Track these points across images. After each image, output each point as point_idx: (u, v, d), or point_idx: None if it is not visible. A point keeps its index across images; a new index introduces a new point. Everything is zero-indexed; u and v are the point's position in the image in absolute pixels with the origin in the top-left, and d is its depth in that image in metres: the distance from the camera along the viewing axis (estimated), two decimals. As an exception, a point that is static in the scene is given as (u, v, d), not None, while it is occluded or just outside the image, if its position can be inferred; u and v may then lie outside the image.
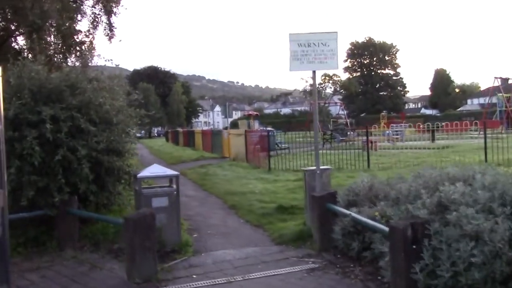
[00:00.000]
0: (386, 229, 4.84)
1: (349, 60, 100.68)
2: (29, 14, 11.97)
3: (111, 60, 12.18)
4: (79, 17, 14.69)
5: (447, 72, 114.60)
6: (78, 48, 14.19)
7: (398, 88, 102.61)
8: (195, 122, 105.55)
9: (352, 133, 26.67)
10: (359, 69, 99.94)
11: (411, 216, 4.83)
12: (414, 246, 4.46)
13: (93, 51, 14.02)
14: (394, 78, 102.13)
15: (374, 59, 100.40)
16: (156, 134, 79.15)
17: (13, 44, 15.28)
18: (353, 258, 5.97)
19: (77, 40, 14.34)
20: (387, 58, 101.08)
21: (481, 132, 29.96)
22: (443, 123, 25.06)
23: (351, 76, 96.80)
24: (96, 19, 14.97)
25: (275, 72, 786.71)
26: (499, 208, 4.33)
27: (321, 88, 69.20)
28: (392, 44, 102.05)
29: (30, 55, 11.43)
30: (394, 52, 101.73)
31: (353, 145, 21.17)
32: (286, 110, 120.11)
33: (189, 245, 7.13)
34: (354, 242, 5.87)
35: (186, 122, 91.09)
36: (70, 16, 13.69)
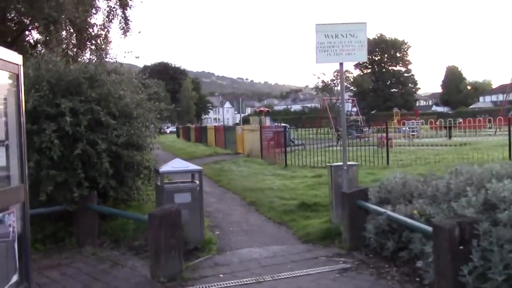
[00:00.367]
0: (429, 228, 4.56)
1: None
2: (45, 6, 11.79)
3: (131, 51, 12.01)
4: (94, 10, 14.48)
5: (459, 69, 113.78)
6: (93, 42, 14.00)
7: (409, 85, 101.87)
8: (205, 119, 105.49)
9: (367, 129, 26.32)
10: (370, 66, 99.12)
11: (456, 215, 4.55)
12: (461, 247, 4.18)
13: (108, 45, 13.84)
14: (406, 75, 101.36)
15: (386, 55, 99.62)
16: (167, 131, 78.15)
17: (28, 38, 15.11)
18: (387, 258, 5.69)
19: (93, 33, 14.14)
20: (398, 55, 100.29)
21: (499, 129, 29.60)
22: (460, 120, 24.55)
23: (362, 73, 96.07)
24: (112, 12, 14.77)
25: (284, 68, 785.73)
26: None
27: (333, 85, 68.49)
28: (403, 40, 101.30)
29: (44, 49, 11.23)
30: (405, 49, 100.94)
31: (368, 142, 20.84)
32: (296, 107, 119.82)
33: (212, 243, 6.89)
34: (388, 242, 5.59)
35: (196, 118, 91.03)
36: (85, 9, 13.48)
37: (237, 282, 5.39)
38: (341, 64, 7.55)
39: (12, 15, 14.53)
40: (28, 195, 4.24)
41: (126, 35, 15.04)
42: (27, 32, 15.08)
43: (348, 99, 49.69)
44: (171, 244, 5.50)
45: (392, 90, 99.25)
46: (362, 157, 15.89)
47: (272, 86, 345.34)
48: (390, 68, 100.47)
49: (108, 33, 14.62)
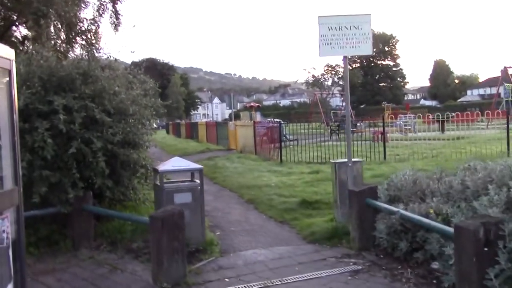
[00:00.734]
0: (449, 229, 4.33)
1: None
2: (34, 0, 11.39)
3: (125, 46, 11.69)
4: (83, 4, 14.07)
5: (447, 63, 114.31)
6: (83, 37, 13.60)
7: (398, 79, 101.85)
8: (194, 114, 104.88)
9: (361, 124, 26.14)
10: (358, 60, 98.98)
11: (477, 214, 4.33)
12: (486, 249, 3.96)
13: (99, 40, 13.45)
14: (394, 69, 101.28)
15: (374, 50, 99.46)
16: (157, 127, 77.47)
17: (15, 33, 14.68)
18: (399, 259, 5.46)
19: (83, 28, 13.73)
20: (387, 49, 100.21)
21: (491, 123, 29.60)
22: (453, 114, 24.45)
23: (351, 68, 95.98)
24: (102, 7, 14.35)
25: (272, 63, 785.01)
26: None
27: (323, 79, 68.20)
28: (391, 35, 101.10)
29: (34, 45, 10.84)
30: (394, 43, 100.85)
31: (361, 136, 20.65)
32: (285, 102, 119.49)
33: (214, 244, 6.62)
34: (401, 242, 5.35)
35: (185, 114, 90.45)
36: (75, 3, 13.08)
37: (244, 286, 5.14)
38: (345, 57, 7.30)
39: (-2, 10, 14.09)
40: (22, 198, 3.94)
41: (117, 30, 14.69)
42: (14, 28, 14.64)
43: (338, 94, 49.51)
44: (174, 247, 5.23)
45: (381, 84, 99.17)
46: (357, 152, 15.60)
47: (260, 81, 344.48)
48: (378, 62, 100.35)
49: (99, 28, 14.23)
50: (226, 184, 12.28)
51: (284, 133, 22.16)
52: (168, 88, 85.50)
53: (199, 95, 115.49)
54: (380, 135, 20.21)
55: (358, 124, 26.12)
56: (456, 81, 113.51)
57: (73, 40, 13.49)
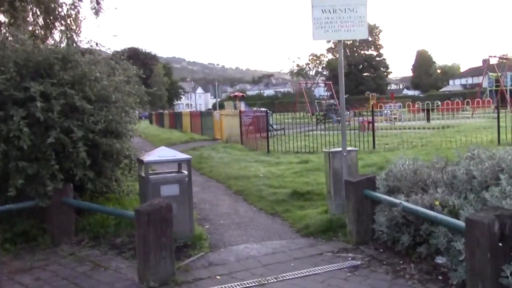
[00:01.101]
0: (460, 223, 4.04)
1: (332, 41, 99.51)
2: (9, -18, 10.80)
3: (108, 30, 11.21)
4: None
5: (429, 53, 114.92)
6: (62, 22, 13.02)
7: (381, 69, 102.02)
8: (177, 104, 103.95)
9: (348, 113, 25.90)
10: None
11: (487, 206, 4.04)
12: (500, 244, 3.67)
13: (79, 26, 12.87)
14: (377, 59, 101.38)
15: (357, 40, 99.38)
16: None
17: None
18: (400, 253, 5.16)
19: (62, 13, 13.13)
20: (370, 39, 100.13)
21: (475, 112, 29.67)
22: (439, 103, 24.40)
23: (334, 57, 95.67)
24: (81, -10, 13.73)
25: (255, 53, 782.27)
26: None
27: (308, 68, 67.96)
28: (375, 25, 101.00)
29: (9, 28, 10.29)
30: (377, 33, 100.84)
31: (349, 126, 20.43)
32: (269, 92, 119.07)
33: (203, 239, 6.27)
34: (403, 235, 5.05)
35: (169, 104, 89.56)
36: (53, -14, 12.47)
37: (238, 284, 4.80)
38: (339, 41, 6.97)
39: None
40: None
41: (98, 15, 14.07)
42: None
43: (325, 83, 49.31)
44: (161, 244, 4.86)
45: (364, 74, 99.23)
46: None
47: (243, 71, 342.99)
48: (362, 52, 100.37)
49: (79, 13, 13.61)
50: (213, 175, 11.92)
51: (271, 123, 21.85)
52: (151, 78, 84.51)
53: (182, 85, 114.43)
54: (367, 124, 20.01)
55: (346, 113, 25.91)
56: (438, 71, 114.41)
57: (52, 26, 12.88)
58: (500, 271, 3.59)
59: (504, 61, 43.78)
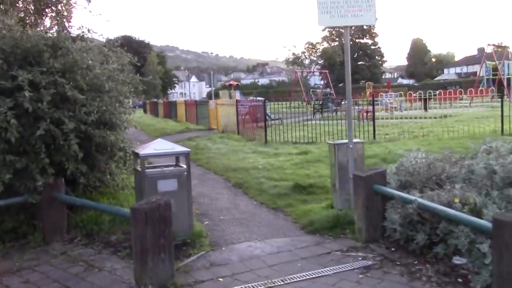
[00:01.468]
0: (486, 223, 3.72)
1: (327, 29, 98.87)
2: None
3: (100, 14, 10.77)
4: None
5: (424, 42, 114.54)
6: (53, 8, 12.57)
7: (376, 57, 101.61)
8: (171, 93, 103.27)
9: (345, 102, 25.55)
10: (337, 39, 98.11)
11: (515, 205, 3.73)
12: (532, 247, 3.36)
13: (71, 12, 12.42)
14: (372, 47, 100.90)
15: (353, 28, 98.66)
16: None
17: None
18: (414, 253, 4.85)
19: (53, -1, 12.67)
20: (365, 27, 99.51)
21: (473, 101, 29.44)
22: (437, 92, 24.13)
23: (329, 45, 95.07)
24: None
25: (249, 42, 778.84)
26: None
27: (304, 57, 67.24)
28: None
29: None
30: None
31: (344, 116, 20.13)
32: (264, 81, 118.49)
33: (203, 236, 5.93)
34: (418, 234, 4.73)
35: (163, 93, 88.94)
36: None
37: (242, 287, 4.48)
38: (346, 27, 6.60)
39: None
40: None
41: (90, 1, 13.61)
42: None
43: (321, 72, 48.91)
44: (159, 245, 4.53)
45: (359, 62, 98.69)
46: (344, 132, 15.06)
47: (237, 60, 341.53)
48: (357, 40, 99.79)
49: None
50: (210, 167, 11.57)
51: (268, 112, 21.48)
52: (144, 66, 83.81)
53: (176, 74, 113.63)
54: (366, 114, 19.67)
55: (342, 102, 25.52)
56: (433, 59, 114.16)
57: (43, 13, 12.43)
58: (533, 277, 3.29)
59: (499, 49, 43.50)
